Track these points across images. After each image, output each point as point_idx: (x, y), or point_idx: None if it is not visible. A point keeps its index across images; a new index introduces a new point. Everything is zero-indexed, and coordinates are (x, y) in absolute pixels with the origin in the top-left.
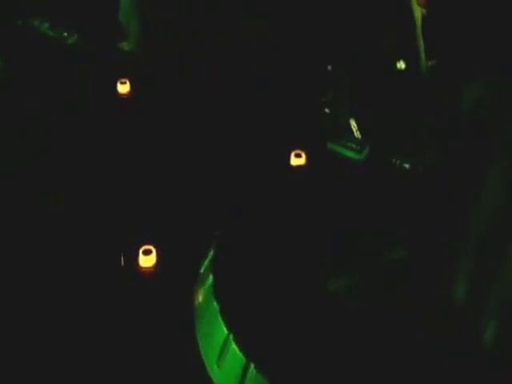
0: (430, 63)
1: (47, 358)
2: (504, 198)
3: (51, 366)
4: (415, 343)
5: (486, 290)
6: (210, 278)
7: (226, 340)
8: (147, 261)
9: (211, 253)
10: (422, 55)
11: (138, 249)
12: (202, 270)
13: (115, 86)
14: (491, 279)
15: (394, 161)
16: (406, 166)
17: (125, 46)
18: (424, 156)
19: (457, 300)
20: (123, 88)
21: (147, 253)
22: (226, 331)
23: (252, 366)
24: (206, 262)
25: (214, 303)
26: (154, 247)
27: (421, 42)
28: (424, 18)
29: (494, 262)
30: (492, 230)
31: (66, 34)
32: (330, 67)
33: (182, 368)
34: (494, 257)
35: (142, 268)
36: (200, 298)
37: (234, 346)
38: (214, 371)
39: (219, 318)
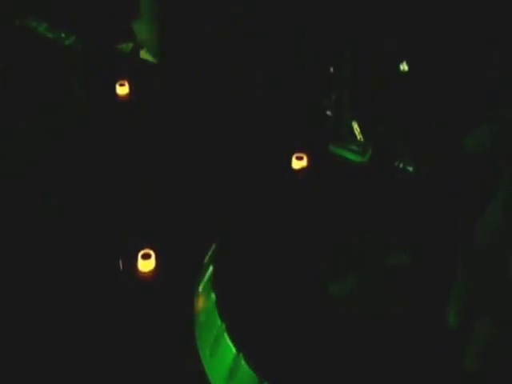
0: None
1: (44, 363)
2: (500, 231)
3: (48, 370)
4: (416, 348)
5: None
6: (211, 273)
7: (220, 332)
8: (146, 265)
9: (211, 252)
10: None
11: (137, 253)
12: (202, 279)
13: (114, 88)
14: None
15: (397, 164)
16: (410, 168)
17: (124, 47)
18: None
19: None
20: (122, 90)
21: (146, 257)
22: (220, 322)
23: (243, 359)
24: (207, 261)
25: (213, 297)
26: (153, 251)
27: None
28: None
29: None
30: (487, 263)
31: (63, 35)
32: (331, 68)
33: (181, 373)
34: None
35: (140, 272)
36: (201, 308)
37: (227, 338)
38: (207, 363)
39: (217, 315)
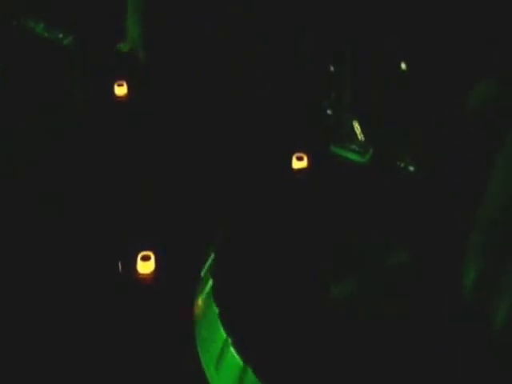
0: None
1: (44, 364)
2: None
3: (48, 370)
4: (418, 348)
5: (497, 274)
6: (210, 282)
7: (225, 345)
8: (146, 267)
9: (211, 256)
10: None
11: (137, 255)
12: (202, 275)
13: (112, 88)
14: (503, 261)
15: (398, 163)
16: (411, 168)
17: (122, 47)
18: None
19: (466, 288)
20: (120, 90)
21: (146, 259)
22: (225, 336)
23: (250, 370)
24: (207, 266)
25: (214, 308)
26: (153, 253)
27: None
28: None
29: (506, 243)
30: (503, 213)
31: (61, 35)
32: (332, 68)
33: (182, 374)
34: (505, 238)
35: (140, 274)
36: (200, 304)
37: (233, 351)
38: (212, 377)
39: (219, 323)
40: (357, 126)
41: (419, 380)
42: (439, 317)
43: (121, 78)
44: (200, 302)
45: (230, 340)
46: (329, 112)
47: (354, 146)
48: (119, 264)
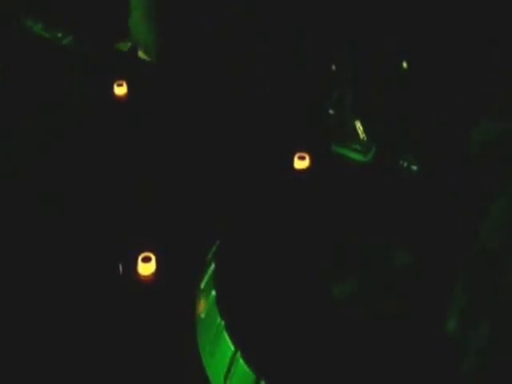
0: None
1: (44, 367)
2: (503, 233)
3: (49, 374)
4: (418, 348)
5: (474, 328)
6: (212, 271)
7: (234, 358)
8: (146, 268)
9: (213, 253)
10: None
11: (137, 256)
12: (204, 276)
13: (112, 88)
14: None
15: (400, 162)
16: (414, 167)
17: (121, 46)
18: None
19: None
20: (120, 90)
21: (146, 260)
22: (233, 349)
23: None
24: (209, 259)
25: (213, 294)
26: (154, 254)
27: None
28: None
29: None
30: (487, 267)
31: (60, 34)
32: (334, 67)
33: (183, 379)
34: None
35: (141, 276)
36: (203, 306)
37: (243, 363)
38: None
39: (226, 335)
40: (359, 126)
41: (419, 380)
42: (439, 317)
43: (120, 78)
44: (202, 306)
45: (239, 353)
46: (331, 111)
47: (356, 146)
48: (120, 265)
